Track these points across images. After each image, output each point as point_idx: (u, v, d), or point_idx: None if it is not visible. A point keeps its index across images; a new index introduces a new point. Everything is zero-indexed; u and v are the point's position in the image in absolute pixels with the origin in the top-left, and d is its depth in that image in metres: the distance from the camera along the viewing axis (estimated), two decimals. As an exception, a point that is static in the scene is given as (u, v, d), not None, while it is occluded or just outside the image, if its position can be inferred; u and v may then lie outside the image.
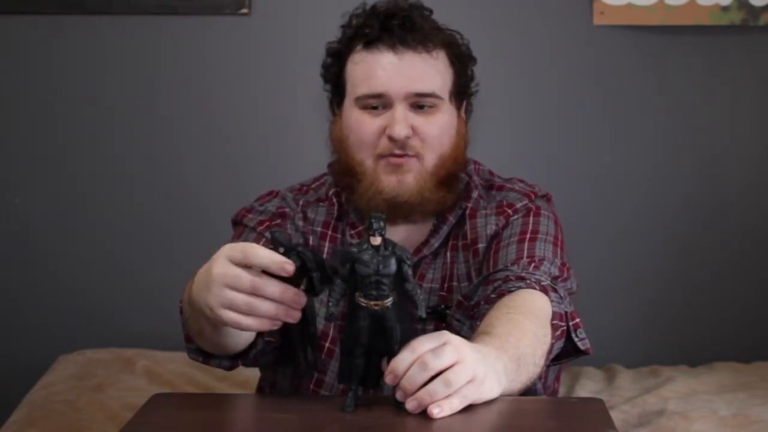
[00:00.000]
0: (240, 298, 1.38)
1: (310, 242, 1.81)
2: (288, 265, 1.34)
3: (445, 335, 1.37)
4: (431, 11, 1.82)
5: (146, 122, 2.77)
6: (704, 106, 2.76)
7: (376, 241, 1.34)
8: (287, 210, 1.83)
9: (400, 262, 1.35)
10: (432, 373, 1.34)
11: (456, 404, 1.34)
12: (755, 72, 2.75)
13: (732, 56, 2.74)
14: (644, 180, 2.77)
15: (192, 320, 1.60)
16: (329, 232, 1.83)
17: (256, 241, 1.76)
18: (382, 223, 1.34)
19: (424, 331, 1.54)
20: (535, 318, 1.59)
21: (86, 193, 2.79)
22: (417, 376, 1.34)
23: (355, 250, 1.35)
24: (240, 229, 1.83)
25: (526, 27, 2.74)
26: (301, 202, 1.86)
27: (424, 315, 1.38)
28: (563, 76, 2.75)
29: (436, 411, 1.33)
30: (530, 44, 2.75)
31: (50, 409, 2.29)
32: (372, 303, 1.34)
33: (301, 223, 1.82)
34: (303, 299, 1.37)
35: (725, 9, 2.68)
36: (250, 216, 1.83)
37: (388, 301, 1.35)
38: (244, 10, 2.73)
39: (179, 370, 2.54)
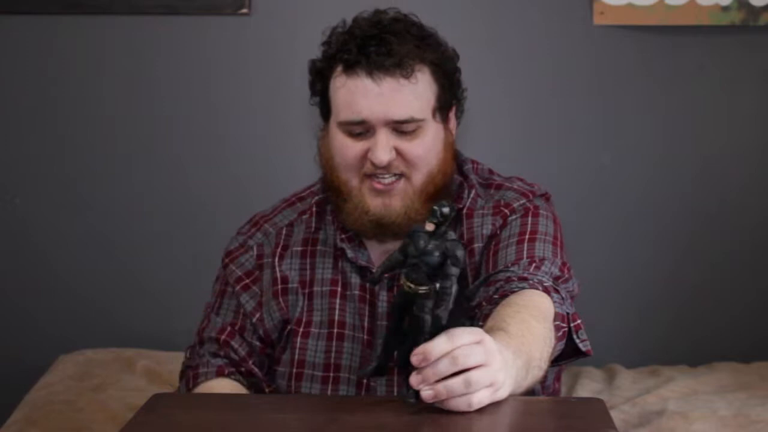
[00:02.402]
0: None
1: (282, 267, 1.86)
2: None
3: (481, 333, 1.37)
4: (412, 22, 1.79)
5: (146, 122, 2.77)
6: (704, 106, 2.76)
7: (429, 227, 1.35)
8: (264, 260, 1.88)
9: (445, 258, 1.34)
10: (458, 369, 1.34)
11: (465, 405, 1.35)
12: (755, 72, 2.75)
13: (732, 56, 2.74)
14: (644, 180, 2.77)
15: None
16: (308, 248, 1.87)
17: (233, 319, 1.86)
18: (439, 213, 1.34)
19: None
20: (542, 320, 1.59)
21: (86, 193, 2.79)
22: (444, 369, 1.34)
23: (417, 229, 1.36)
24: (222, 287, 1.90)
25: (526, 27, 2.74)
26: (284, 230, 1.90)
27: (444, 317, 1.37)
28: (563, 76, 2.75)
29: (413, 381, 1.35)
30: (530, 44, 2.75)
31: (50, 409, 2.29)
32: (407, 283, 1.35)
33: (275, 261, 1.87)
34: None
35: (725, 9, 2.68)
36: (231, 267, 1.89)
37: (422, 289, 1.34)
38: (244, 10, 2.73)
39: (179, 370, 2.54)
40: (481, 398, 1.35)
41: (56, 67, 2.76)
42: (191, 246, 2.78)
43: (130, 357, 2.62)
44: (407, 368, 1.38)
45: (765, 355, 2.73)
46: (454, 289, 1.36)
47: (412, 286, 1.35)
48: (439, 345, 1.34)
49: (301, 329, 1.83)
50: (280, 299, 1.85)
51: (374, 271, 1.40)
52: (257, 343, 1.86)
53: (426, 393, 1.34)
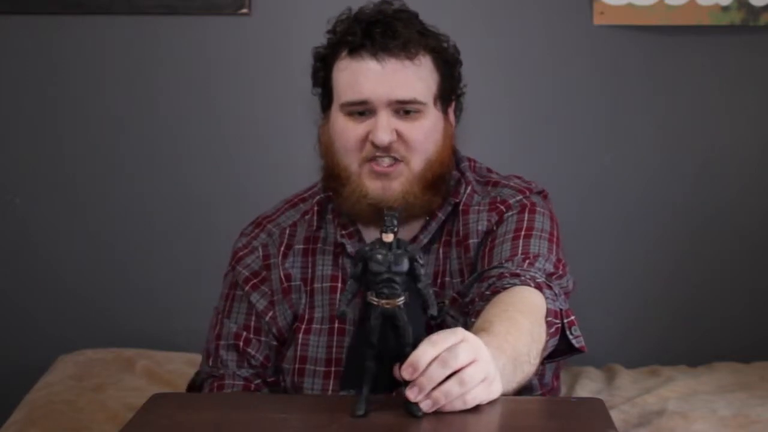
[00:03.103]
0: None
1: (285, 265, 1.87)
2: None
3: (462, 332, 1.37)
4: (417, 14, 1.82)
5: (146, 122, 2.77)
6: (704, 106, 2.76)
7: (389, 238, 1.34)
8: (271, 261, 1.89)
9: (412, 261, 1.35)
10: (451, 371, 1.34)
11: (461, 404, 1.35)
12: (755, 72, 2.75)
13: (732, 56, 2.74)
14: (644, 180, 2.77)
15: None
16: (310, 246, 1.88)
17: (246, 321, 1.87)
18: (395, 221, 1.34)
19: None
20: (531, 316, 1.59)
21: (86, 193, 2.78)
22: (436, 374, 1.33)
23: (367, 248, 1.35)
24: (230, 289, 1.92)
25: (525, 27, 2.74)
26: (287, 230, 1.90)
27: (436, 313, 1.37)
28: (563, 76, 2.75)
29: (411, 396, 1.34)
30: (530, 44, 2.75)
31: (50, 409, 2.29)
32: (384, 301, 1.34)
33: (279, 260, 1.88)
34: None
35: (725, 9, 2.68)
36: (239, 268, 1.90)
37: (400, 301, 1.34)
38: (244, 10, 2.73)
39: (179, 370, 2.54)
40: (476, 394, 1.35)
41: (56, 67, 2.76)
42: (191, 246, 2.78)
43: (130, 357, 2.62)
44: (396, 385, 1.38)
45: (765, 355, 2.73)
46: (430, 287, 1.38)
47: (392, 301, 1.34)
48: (425, 353, 1.33)
49: (303, 326, 1.84)
50: (288, 297, 1.86)
51: (338, 308, 1.41)
52: (273, 342, 1.87)
53: (425, 404, 1.34)
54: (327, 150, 1.83)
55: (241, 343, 1.86)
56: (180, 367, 2.56)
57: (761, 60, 2.74)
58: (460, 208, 1.84)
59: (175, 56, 2.76)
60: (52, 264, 2.80)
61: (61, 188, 2.79)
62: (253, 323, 1.87)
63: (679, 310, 2.79)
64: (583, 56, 2.75)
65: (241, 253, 1.92)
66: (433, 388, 1.34)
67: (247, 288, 1.88)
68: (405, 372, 1.33)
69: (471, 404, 1.35)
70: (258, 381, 1.86)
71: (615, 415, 2.15)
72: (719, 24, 2.69)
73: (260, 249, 1.90)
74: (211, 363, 1.89)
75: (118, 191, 2.78)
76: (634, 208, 2.78)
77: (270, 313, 1.87)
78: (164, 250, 2.79)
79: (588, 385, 2.53)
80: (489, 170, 1.92)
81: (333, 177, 1.82)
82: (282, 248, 1.89)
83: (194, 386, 1.91)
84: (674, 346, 2.78)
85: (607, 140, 2.77)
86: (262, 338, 1.87)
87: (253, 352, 1.86)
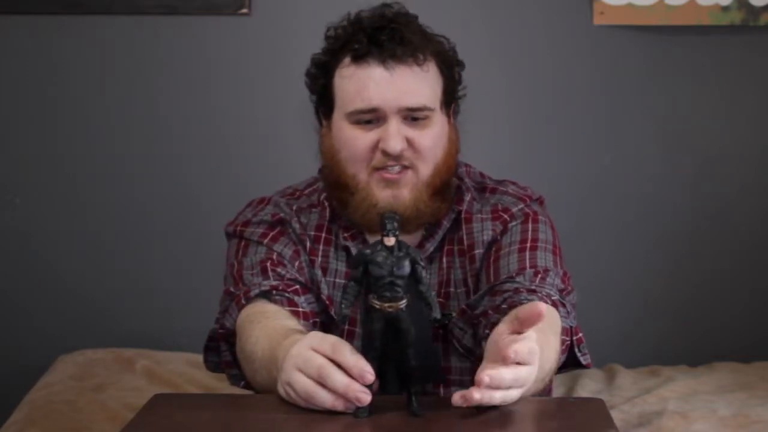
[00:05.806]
0: (302, 382, 1.39)
1: (307, 245, 1.80)
2: (368, 375, 1.34)
3: (536, 357, 1.39)
4: (416, 17, 1.80)
5: (146, 122, 2.78)
6: (704, 106, 2.76)
7: (390, 241, 1.33)
8: (283, 215, 1.82)
9: (413, 264, 1.34)
10: (518, 391, 1.37)
11: (499, 400, 1.37)
12: (755, 72, 2.75)
13: (732, 56, 2.74)
14: (644, 180, 2.77)
15: (262, 374, 1.59)
16: (323, 235, 1.82)
17: (268, 255, 1.77)
18: (395, 224, 1.33)
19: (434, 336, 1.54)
20: (555, 335, 1.60)
21: (86, 193, 2.79)
22: (508, 397, 1.37)
23: (368, 251, 1.34)
24: (242, 243, 1.82)
25: (525, 27, 2.75)
26: (294, 207, 1.84)
27: (439, 316, 1.36)
28: (563, 76, 2.75)
29: (477, 396, 1.34)
30: (530, 44, 2.75)
31: (50, 409, 2.29)
32: (386, 305, 1.33)
33: (297, 226, 1.81)
34: (368, 397, 1.35)
35: (725, 9, 2.68)
36: (249, 229, 1.82)
37: (402, 303, 1.33)
38: (244, 10, 2.73)
39: (179, 370, 2.54)
40: (514, 396, 1.37)
41: (56, 67, 2.76)
42: (191, 246, 2.78)
43: (130, 357, 2.62)
44: (401, 386, 1.38)
45: (765, 355, 2.73)
46: (432, 290, 1.38)
47: (394, 304, 1.33)
48: (504, 378, 1.35)
49: (319, 320, 1.77)
50: (312, 259, 1.80)
51: (337, 311, 1.38)
52: (302, 280, 1.76)
53: (462, 399, 1.34)
54: (331, 159, 1.78)
55: (268, 264, 1.74)
56: (180, 367, 2.56)
57: (761, 60, 2.74)
58: (462, 216, 1.82)
59: (175, 56, 2.76)
60: (52, 264, 2.80)
61: (61, 188, 2.79)
62: (276, 258, 1.76)
63: (679, 310, 2.80)
64: (583, 56, 2.75)
65: (246, 224, 1.82)
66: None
67: (266, 241, 1.78)
68: (481, 382, 1.34)
69: (507, 402, 1.38)
70: (292, 288, 1.71)
71: (615, 415, 2.15)
72: (719, 24, 2.69)
73: (270, 215, 1.82)
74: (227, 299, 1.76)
75: (118, 191, 2.78)
76: (634, 208, 2.78)
77: (297, 262, 1.77)
78: (164, 250, 2.79)
79: (588, 385, 2.53)
80: (482, 175, 1.90)
81: (339, 186, 1.78)
82: (296, 221, 1.81)
83: (213, 337, 1.77)
84: (674, 346, 2.78)
85: (607, 140, 2.77)
86: (288, 266, 1.75)
87: (281, 271, 1.74)
